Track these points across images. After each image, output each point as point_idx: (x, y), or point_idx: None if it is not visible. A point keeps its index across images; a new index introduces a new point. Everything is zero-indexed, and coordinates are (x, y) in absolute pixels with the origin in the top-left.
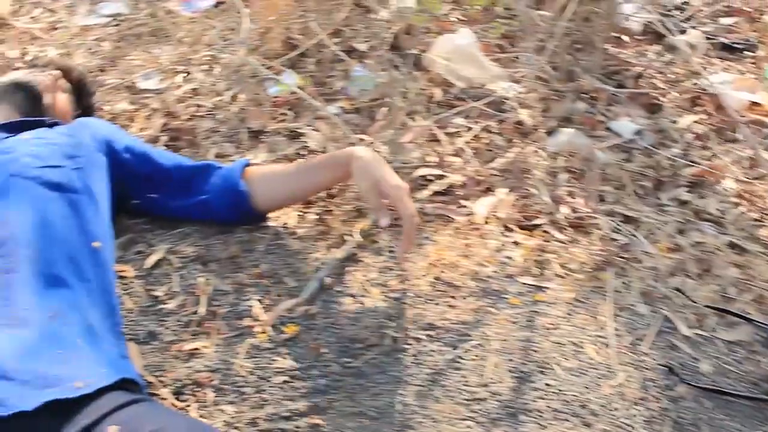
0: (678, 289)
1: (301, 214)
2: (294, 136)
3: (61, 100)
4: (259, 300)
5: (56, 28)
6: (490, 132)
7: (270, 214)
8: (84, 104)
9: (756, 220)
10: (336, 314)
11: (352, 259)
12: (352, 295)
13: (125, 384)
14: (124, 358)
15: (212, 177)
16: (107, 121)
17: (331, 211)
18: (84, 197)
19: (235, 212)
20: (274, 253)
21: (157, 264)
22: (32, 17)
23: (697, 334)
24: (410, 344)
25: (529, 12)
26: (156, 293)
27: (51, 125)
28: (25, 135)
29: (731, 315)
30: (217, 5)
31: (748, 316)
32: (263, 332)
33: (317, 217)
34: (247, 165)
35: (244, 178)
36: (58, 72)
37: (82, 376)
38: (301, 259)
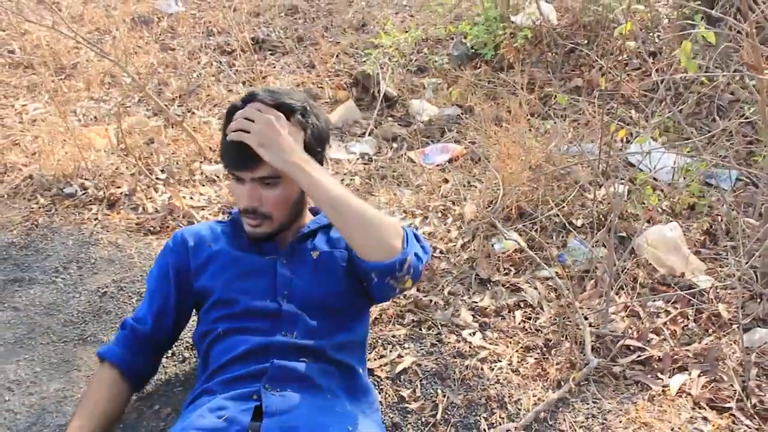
0: None
1: (521, 356)
2: (515, 289)
3: None
4: (485, 418)
5: None
6: (686, 318)
7: (497, 352)
8: None
9: None
10: None
11: (563, 401)
12: (561, 431)
13: None
14: None
15: None
16: None
17: (547, 358)
18: None
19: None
20: (500, 383)
21: (404, 371)
22: None
23: None
24: None
25: (732, 214)
26: (402, 393)
27: None
28: None
29: None
30: (450, 161)
31: None
32: None
33: (535, 361)
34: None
35: None
36: None
37: None
38: (522, 393)
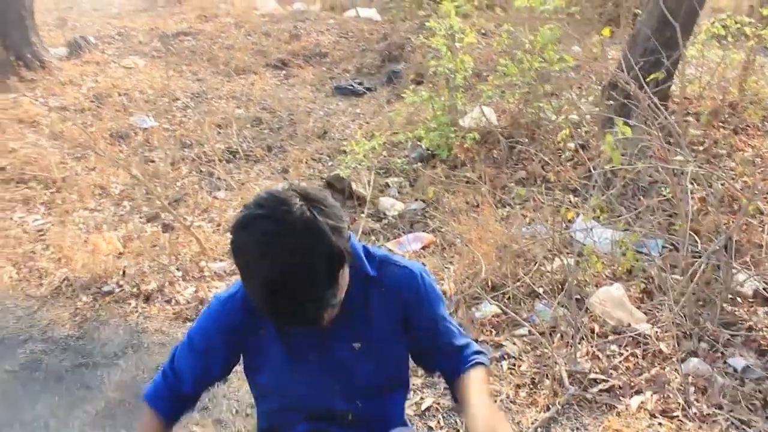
0: None
1: (515, 391)
2: (498, 345)
3: None
4: None
5: None
6: (636, 356)
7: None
8: None
9: None
10: None
11: (553, 419)
12: None
13: None
14: None
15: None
16: None
17: (535, 392)
18: None
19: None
20: (503, 410)
21: (428, 408)
22: None
23: None
24: None
25: (662, 275)
26: (430, 424)
27: None
28: None
29: None
30: (423, 248)
31: None
32: None
33: (526, 393)
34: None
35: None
36: None
37: None
38: (522, 416)
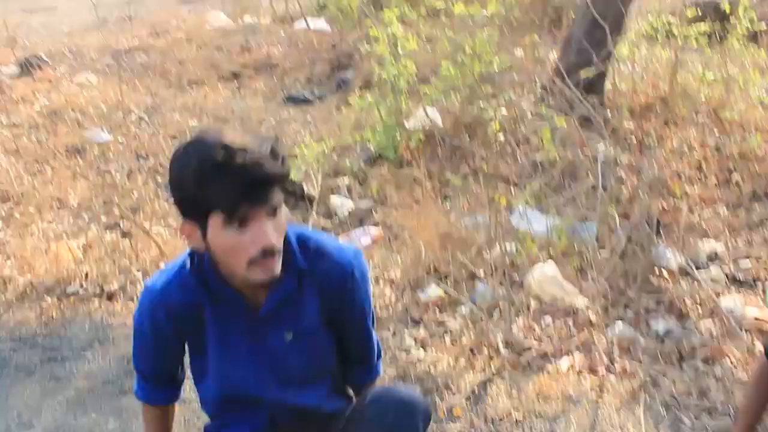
0: None
1: (455, 360)
2: (441, 323)
3: None
4: (439, 397)
5: None
6: (567, 326)
7: None
8: None
9: None
10: None
11: (490, 380)
12: (491, 397)
13: None
14: None
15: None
16: None
17: (474, 359)
18: None
19: None
20: (445, 375)
21: None
22: None
23: None
24: None
25: (594, 253)
26: None
27: None
28: None
29: None
30: (373, 242)
31: None
32: None
33: (466, 360)
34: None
35: None
36: None
37: None
38: (461, 379)
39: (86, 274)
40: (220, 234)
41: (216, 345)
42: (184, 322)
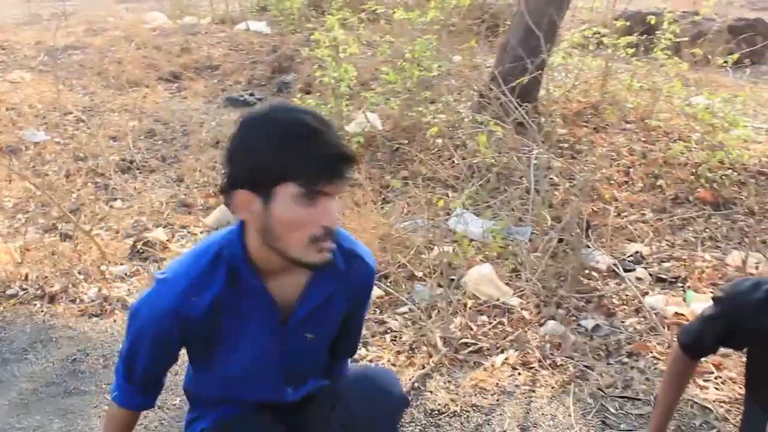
0: None
1: (395, 357)
2: (381, 322)
3: None
4: None
5: None
6: (502, 324)
7: None
8: None
9: None
10: None
11: (428, 375)
12: (429, 391)
13: None
14: None
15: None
16: None
17: (414, 356)
18: None
19: None
20: None
21: None
22: None
23: None
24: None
25: (527, 255)
26: None
27: None
28: None
29: None
30: None
31: None
32: None
33: (406, 357)
34: None
35: None
36: None
37: None
38: (400, 375)
39: (26, 276)
40: (288, 205)
41: (229, 339)
42: (196, 331)
